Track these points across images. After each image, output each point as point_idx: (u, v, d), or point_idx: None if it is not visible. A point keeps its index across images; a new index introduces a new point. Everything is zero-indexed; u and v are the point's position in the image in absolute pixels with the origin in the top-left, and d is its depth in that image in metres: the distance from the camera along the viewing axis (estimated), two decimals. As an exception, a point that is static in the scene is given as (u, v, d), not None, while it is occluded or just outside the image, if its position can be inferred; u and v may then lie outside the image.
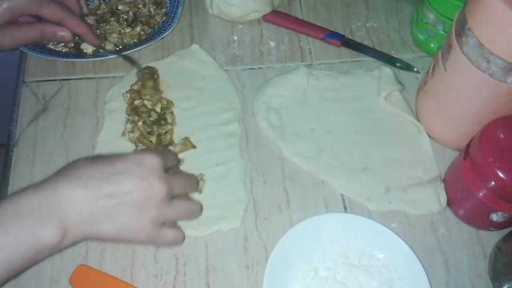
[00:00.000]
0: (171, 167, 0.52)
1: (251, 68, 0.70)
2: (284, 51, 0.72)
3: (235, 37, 0.73)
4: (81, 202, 0.43)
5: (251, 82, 0.68)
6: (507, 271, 0.52)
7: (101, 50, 0.66)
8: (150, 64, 0.67)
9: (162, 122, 0.62)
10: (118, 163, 0.45)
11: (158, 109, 0.63)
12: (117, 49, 0.68)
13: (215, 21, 0.74)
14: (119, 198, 0.44)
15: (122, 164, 0.45)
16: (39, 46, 0.66)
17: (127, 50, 0.66)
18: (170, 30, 0.69)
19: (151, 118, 0.62)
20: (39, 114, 0.64)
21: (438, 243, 0.57)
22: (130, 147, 0.60)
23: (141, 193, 0.45)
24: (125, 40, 0.69)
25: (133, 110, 0.63)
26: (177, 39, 0.72)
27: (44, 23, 0.60)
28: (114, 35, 0.69)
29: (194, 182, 0.54)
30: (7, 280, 0.42)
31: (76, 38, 0.67)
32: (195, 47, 0.70)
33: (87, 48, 0.68)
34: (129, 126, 0.62)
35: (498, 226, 0.55)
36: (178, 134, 0.62)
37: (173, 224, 0.51)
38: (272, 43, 0.72)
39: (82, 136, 0.62)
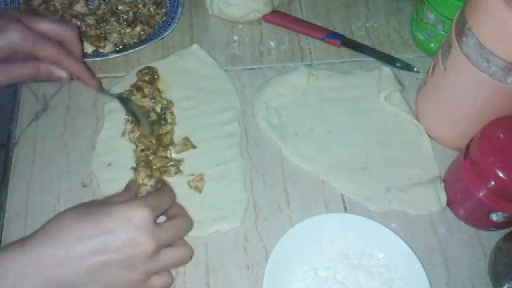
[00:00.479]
0: (166, 210, 0.50)
1: (251, 68, 0.70)
2: (284, 51, 0.72)
3: (235, 37, 0.73)
4: (65, 265, 0.42)
5: (251, 82, 0.68)
6: (507, 271, 0.52)
7: (101, 91, 0.63)
8: (150, 64, 0.67)
9: (162, 122, 0.62)
10: (105, 221, 0.44)
11: (158, 109, 0.63)
12: (117, 49, 0.68)
13: (215, 21, 0.74)
14: (105, 258, 0.43)
15: (109, 222, 0.44)
16: None
17: (127, 50, 0.66)
18: (170, 30, 0.69)
19: (150, 118, 0.62)
20: (39, 114, 0.64)
21: (438, 243, 0.57)
22: (130, 147, 0.60)
23: (128, 252, 0.43)
24: (125, 40, 0.69)
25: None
26: (177, 39, 0.72)
27: (40, 61, 0.54)
28: (114, 35, 0.69)
29: (188, 225, 0.52)
30: None
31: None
32: (195, 47, 0.70)
33: (87, 48, 0.67)
34: (129, 126, 0.62)
35: (498, 226, 0.55)
36: (178, 134, 0.62)
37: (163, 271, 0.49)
38: (272, 43, 0.72)
39: (82, 136, 0.62)
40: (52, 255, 0.42)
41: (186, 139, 0.61)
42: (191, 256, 0.51)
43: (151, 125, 0.60)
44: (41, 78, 0.56)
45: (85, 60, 0.66)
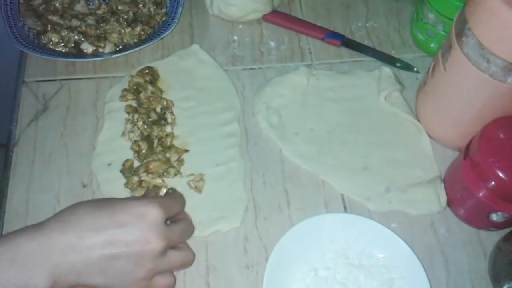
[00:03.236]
0: (175, 215, 0.51)
1: (251, 68, 0.70)
2: (284, 51, 0.72)
3: (235, 37, 0.73)
4: (75, 253, 0.43)
5: (251, 82, 0.68)
6: (507, 271, 0.52)
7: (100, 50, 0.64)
8: (150, 64, 0.67)
9: (162, 122, 0.62)
10: (119, 215, 0.44)
11: (158, 109, 0.63)
12: (117, 49, 0.68)
13: (215, 21, 0.74)
14: (114, 251, 0.43)
15: (123, 216, 0.44)
16: (39, 46, 0.66)
17: (127, 50, 0.66)
18: (170, 30, 0.69)
19: (150, 119, 0.62)
20: (39, 114, 0.64)
21: (438, 243, 0.57)
22: (130, 146, 0.61)
23: (137, 248, 0.44)
24: (125, 40, 0.69)
25: (131, 107, 0.63)
26: (177, 39, 0.72)
27: None
28: (114, 35, 0.69)
29: (192, 229, 0.53)
30: None
31: (76, 38, 0.67)
32: (195, 47, 0.70)
33: (87, 48, 0.68)
34: (129, 126, 0.62)
35: (498, 226, 0.55)
36: (178, 134, 0.62)
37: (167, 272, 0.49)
38: (272, 43, 0.72)
39: (82, 136, 0.62)
40: (64, 242, 0.43)
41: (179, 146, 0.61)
42: (193, 260, 0.52)
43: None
44: None
45: (85, 60, 0.66)
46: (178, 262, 0.49)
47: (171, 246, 0.47)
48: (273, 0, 0.73)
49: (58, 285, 0.43)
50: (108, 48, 0.68)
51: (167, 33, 0.68)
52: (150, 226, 0.45)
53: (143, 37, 0.70)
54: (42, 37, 0.67)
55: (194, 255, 0.51)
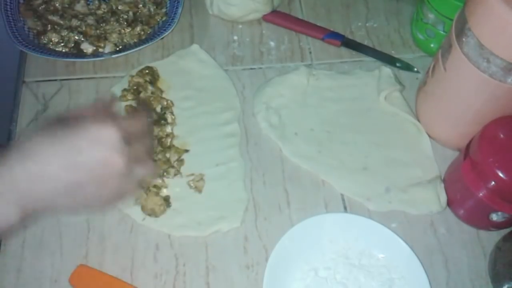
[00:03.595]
0: (138, 132, 0.50)
1: (251, 68, 0.70)
2: (284, 51, 0.72)
3: (235, 37, 0.73)
4: (39, 182, 0.43)
5: (251, 82, 0.68)
6: (507, 271, 0.52)
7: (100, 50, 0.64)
8: (150, 64, 0.67)
9: (162, 122, 0.62)
10: (76, 141, 0.45)
11: (158, 109, 0.63)
12: (117, 49, 0.68)
13: (215, 21, 0.74)
14: (78, 177, 0.44)
15: (80, 142, 0.45)
16: (39, 46, 0.66)
17: (127, 50, 0.67)
18: (170, 30, 0.69)
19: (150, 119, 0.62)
20: (39, 114, 0.64)
21: (438, 243, 0.57)
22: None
23: (99, 171, 0.44)
24: (125, 40, 0.69)
25: (131, 107, 0.63)
26: (177, 39, 0.72)
27: None
28: (114, 35, 0.69)
29: (152, 145, 0.53)
30: None
31: (76, 38, 0.67)
32: (195, 47, 0.70)
33: (87, 48, 0.67)
34: (129, 126, 0.62)
35: (498, 226, 0.55)
36: (178, 134, 0.62)
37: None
38: (272, 43, 0.72)
39: (82, 136, 0.62)
40: (26, 172, 0.43)
41: (179, 146, 0.61)
42: (155, 171, 0.53)
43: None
44: None
45: (85, 60, 0.66)
46: (142, 174, 0.49)
47: (133, 162, 0.47)
48: (273, 0, 0.73)
49: (28, 214, 0.43)
50: (108, 48, 0.68)
51: (167, 33, 0.68)
52: (108, 148, 0.45)
53: (143, 37, 0.70)
54: (42, 37, 0.67)
55: (154, 166, 0.53)
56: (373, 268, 0.53)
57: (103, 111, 0.50)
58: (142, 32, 0.70)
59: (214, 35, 0.73)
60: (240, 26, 0.74)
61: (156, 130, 0.61)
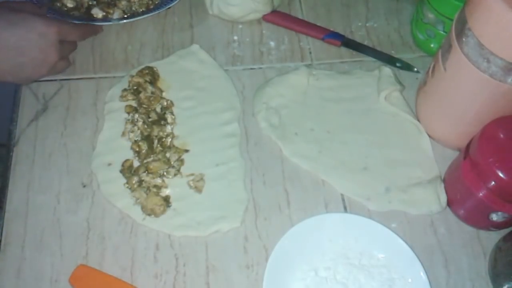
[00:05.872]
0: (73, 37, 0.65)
1: (251, 68, 0.70)
2: (284, 51, 0.72)
3: (235, 37, 0.73)
4: None
5: (251, 82, 0.68)
6: (507, 271, 0.52)
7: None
8: (150, 64, 0.67)
9: (162, 122, 0.62)
10: (26, 31, 0.58)
11: (158, 109, 0.63)
12: (125, 16, 0.70)
13: (215, 21, 0.74)
14: (21, 59, 0.58)
15: (27, 34, 0.58)
16: (50, 7, 0.68)
17: (135, 17, 0.69)
18: (177, 0, 0.70)
19: (150, 119, 0.62)
20: (39, 114, 0.64)
21: (438, 243, 0.57)
22: (130, 146, 0.61)
23: (38, 61, 0.59)
24: (133, 8, 0.71)
25: (131, 107, 0.63)
26: (177, 39, 0.72)
27: None
28: (123, 2, 0.71)
29: (75, 46, 0.68)
30: None
31: (90, 3, 0.71)
32: (195, 47, 0.70)
33: (97, 13, 0.70)
34: (129, 126, 0.62)
35: (498, 226, 0.55)
36: (178, 134, 0.62)
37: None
38: (272, 43, 0.73)
39: (82, 136, 0.62)
40: None
41: (179, 146, 0.61)
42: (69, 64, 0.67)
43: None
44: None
45: (96, 23, 0.70)
46: (63, 67, 0.66)
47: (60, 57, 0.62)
48: (273, 0, 0.73)
49: None
50: (117, 15, 0.70)
51: (174, 3, 0.70)
52: (49, 44, 0.59)
53: (151, 7, 0.71)
54: (57, 2, 0.70)
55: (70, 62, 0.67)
56: (373, 268, 0.53)
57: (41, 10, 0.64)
58: (150, 2, 0.72)
59: (214, 35, 0.73)
60: (240, 26, 0.74)
61: (156, 130, 0.61)
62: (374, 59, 0.71)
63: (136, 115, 0.62)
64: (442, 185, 0.59)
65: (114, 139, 0.62)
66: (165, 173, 0.59)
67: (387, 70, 0.67)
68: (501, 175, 0.49)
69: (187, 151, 0.61)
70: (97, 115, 0.64)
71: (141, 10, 0.71)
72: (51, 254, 0.54)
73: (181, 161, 0.60)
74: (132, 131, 0.61)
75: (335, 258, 0.53)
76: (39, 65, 0.60)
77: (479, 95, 0.53)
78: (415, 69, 0.70)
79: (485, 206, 0.53)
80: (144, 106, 0.63)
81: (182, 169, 0.60)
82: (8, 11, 0.59)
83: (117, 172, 0.59)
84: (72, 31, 0.64)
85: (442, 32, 0.66)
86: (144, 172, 0.58)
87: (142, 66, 0.67)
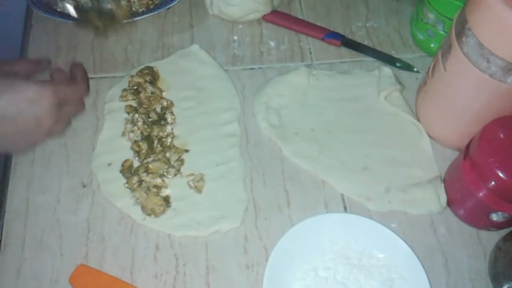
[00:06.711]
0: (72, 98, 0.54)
1: (251, 68, 0.70)
2: (284, 51, 0.72)
3: (235, 37, 0.73)
4: None
5: (251, 82, 0.68)
6: (507, 271, 0.52)
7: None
8: (150, 64, 0.68)
9: (162, 122, 0.62)
10: (13, 95, 0.48)
11: (158, 109, 0.63)
12: None
13: (215, 21, 0.74)
14: (6, 129, 0.49)
15: (19, 99, 0.48)
16: (51, 8, 0.69)
17: (135, 17, 0.69)
18: (177, 1, 0.70)
19: (150, 119, 0.62)
20: (39, 114, 0.64)
21: (438, 243, 0.57)
22: (130, 146, 0.61)
23: (30, 127, 0.50)
24: (133, 8, 0.71)
25: (131, 107, 0.63)
26: (177, 39, 0.72)
27: None
28: (123, 3, 0.71)
29: (82, 107, 0.57)
30: None
31: (90, 4, 0.70)
32: (195, 47, 0.70)
33: None
34: (129, 126, 0.62)
35: (498, 226, 0.55)
36: (178, 134, 0.62)
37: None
38: (272, 43, 0.73)
39: (82, 136, 0.62)
40: None
41: (179, 146, 0.61)
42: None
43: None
44: None
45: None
46: (62, 131, 0.55)
47: (59, 122, 0.53)
48: (273, 0, 0.73)
49: None
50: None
51: (174, 3, 0.70)
52: (42, 110, 0.50)
53: (151, 7, 0.72)
54: (58, 4, 0.70)
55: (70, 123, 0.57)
56: (373, 268, 0.53)
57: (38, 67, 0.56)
58: (150, 2, 0.72)
59: (214, 35, 0.73)
60: (240, 26, 0.74)
61: (156, 130, 0.61)
62: (374, 59, 0.71)
63: (136, 115, 0.62)
64: (442, 185, 0.58)
65: (114, 139, 0.62)
66: (165, 173, 0.59)
67: (387, 70, 0.67)
68: (501, 175, 0.49)
69: (187, 151, 0.61)
70: (97, 115, 0.64)
71: (141, 10, 0.71)
72: (51, 254, 0.54)
73: (181, 161, 0.60)
74: (132, 131, 0.61)
75: (335, 258, 0.53)
76: (31, 133, 0.51)
77: (479, 95, 0.53)
78: (415, 69, 0.70)
79: (485, 206, 0.53)
80: (144, 106, 0.63)
81: (182, 169, 0.60)
82: None
83: (117, 172, 0.59)
84: (73, 90, 0.55)
85: (442, 32, 0.66)
86: (144, 172, 0.58)
87: (142, 66, 0.67)
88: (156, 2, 0.72)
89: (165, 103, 0.64)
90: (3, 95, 0.48)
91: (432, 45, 0.69)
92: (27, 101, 0.49)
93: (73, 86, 0.55)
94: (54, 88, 0.51)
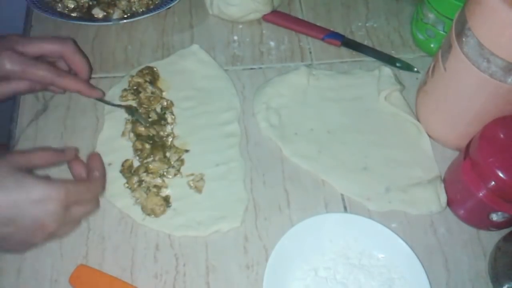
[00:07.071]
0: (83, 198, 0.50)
1: (251, 68, 0.70)
2: (284, 51, 0.72)
3: (235, 37, 0.73)
4: None
5: (251, 82, 0.68)
6: (507, 271, 0.52)
7: (105, 101, 0.64)
8: (150, 64, 0.68)
9: (162, 122, 0.62)
10: (19, 195, 0.45)
11: (158, 109, 0.63)
12: (125, 16, 0.70)
13: (215, 21, 0.74)
14: (9, 229, 0.45)
15: (22, 199, 0.45)
16: (51, 8, 0.69)
17: (135, 17, 0.69)
18: (177, 1, 0.70)
19: (150, 119, 0.62)
20: (39, 114, 0.64)
21: (438, 243, 0.57)
22: (130, 147, 0.61)
23: (32, 229, 0.46)
24: (133, 8, 0.71)
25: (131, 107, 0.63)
26: (177, 39, 0.72)
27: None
28: (123, 2, 0.71)
29: (95, 206, 0.53)
30: None
31: (90, 3, 0.71)
32: (195, 47, 0.70)
33: (98, 13, 0.70)
34: (129, 126, 0.62)
35: (498, 226, 0.55)
36: (178, 134, 0.62)
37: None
38: (272, 43, 0.73)
39: (82, 136, 0.62)
40: None
41: (179, 146, 0.61)
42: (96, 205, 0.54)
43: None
44: (36, 91, 0.62)
45: (96, 24, 0.70)
46: (68, 232, 0.51)
47: (66, 223, 0.49)
48: (273, 0, 0.73)
49: None
50: (117, 15, 0.70)
51: (174, 3, 0.70)
52: (47, 213, 0.45)
53: (151, 7, 0.72)
54: (59, 4, 0.71)
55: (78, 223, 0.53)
56: (373, 268, 0.53)
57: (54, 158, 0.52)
58: (150, 2, 0.73)
59: (214, 35, 0.73)
60: (240, 26, 0.74)
61: (156, 130, 0.61)
62: (374, 59, 0.71)
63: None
64: (442, 185, 0.59)
65: (114, 139, 0.62)
66: (165, 173, 0.59)
67: (387, 70, 0.67)
68: (501, 175, 0.49)
69: (187, 151, 0.61)
70: (97, 115, 0.64)
71: (141, 10, 0.72)
72: (51, 254, 0.54)
73: (181, 161, 0.60)
74: (132, 131, 0.61)
75: (335, 258, 0.53)
76: (31, 235, 0.46)
77: (479, 95, 0.53)
78: (415, 69, 0.70)
79: (485, 206, 0.53)
80: (144, 106, 0.63)
81: (182, 169, 0.60)
82: (6, 170, 0.46)
83: (117, 172, 0.59)
84: (88, 188, 0.51)
85: (442, 32, 0.66)
86: (144, 172, 0.58)
87: (142, 66, 0.67)
88: (156, 2, 0.72)
89: (165, 103, 0.64)
90: (9, 193, 0.45)
91: (432, 45, 0.69)
92: (30, 202, 0.45)
93: (88, 184, 0.51)
94: (65, 189, 0.46)
